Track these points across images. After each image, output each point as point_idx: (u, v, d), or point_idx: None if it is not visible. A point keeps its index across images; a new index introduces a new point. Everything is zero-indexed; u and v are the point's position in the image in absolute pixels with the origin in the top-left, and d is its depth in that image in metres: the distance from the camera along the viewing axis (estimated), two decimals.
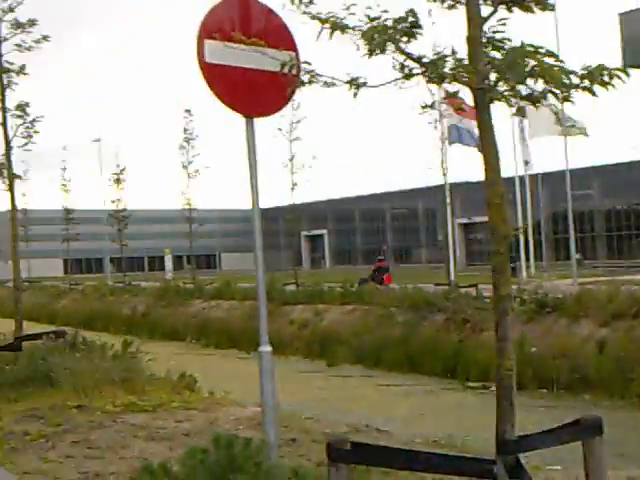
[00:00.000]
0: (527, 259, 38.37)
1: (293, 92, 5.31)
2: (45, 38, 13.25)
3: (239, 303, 26.56)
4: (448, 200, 27.98)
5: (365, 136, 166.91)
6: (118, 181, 42.94)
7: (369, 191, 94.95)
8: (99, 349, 11.61)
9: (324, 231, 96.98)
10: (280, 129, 29.54)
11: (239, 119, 6.05)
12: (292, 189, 30.85)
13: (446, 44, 4.38)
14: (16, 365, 10.93)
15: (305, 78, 4.73)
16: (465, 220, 71.86)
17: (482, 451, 6.65)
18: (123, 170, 43.32)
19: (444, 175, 26.81)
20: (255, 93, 6.01)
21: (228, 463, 4.50)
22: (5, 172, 12.73)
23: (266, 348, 5.87)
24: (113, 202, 42.96)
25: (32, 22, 13.17)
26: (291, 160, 30.34)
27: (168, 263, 59.41)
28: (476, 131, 5.22)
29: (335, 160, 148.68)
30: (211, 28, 5.80)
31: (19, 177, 12.88)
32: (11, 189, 13.17)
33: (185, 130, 37.02)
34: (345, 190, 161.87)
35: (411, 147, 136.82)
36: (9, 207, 13.22)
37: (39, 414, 9.38)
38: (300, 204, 34.95)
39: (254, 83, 5.94)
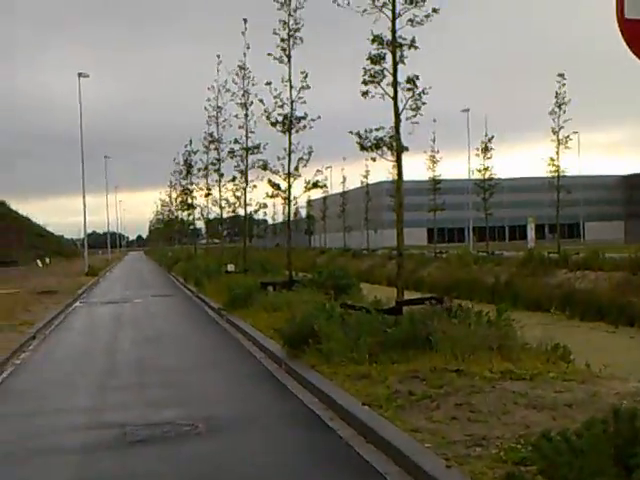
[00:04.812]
0: None
1: None
2: (435, 11, 13.32)
3: (607, 274, 25.55)
4: None
5: None
6: (485, 150, 43.28)
7: None
8: (474, 315, 11.83)
9: None
10: None
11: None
12: None
13: None
14: (397, 328, 11.51)
15: None
16: None
17: None
18: (491, 139, 43.60)
19: None
20: None
21: (631, 436, 4.41)
22: (394, 144, 13.08)
23: None
24: (480, 171, 43.41)
25: None
26: None
27: (530, 232, 58.68)
28: None
29: None
30: None
31: (406, 149, 13.26)
32: (398, 160, 13.40)
33: (557, 94, 36.22)
34: None
35: None
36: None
37: (420, 375, 9.86)
38: None
39: None
